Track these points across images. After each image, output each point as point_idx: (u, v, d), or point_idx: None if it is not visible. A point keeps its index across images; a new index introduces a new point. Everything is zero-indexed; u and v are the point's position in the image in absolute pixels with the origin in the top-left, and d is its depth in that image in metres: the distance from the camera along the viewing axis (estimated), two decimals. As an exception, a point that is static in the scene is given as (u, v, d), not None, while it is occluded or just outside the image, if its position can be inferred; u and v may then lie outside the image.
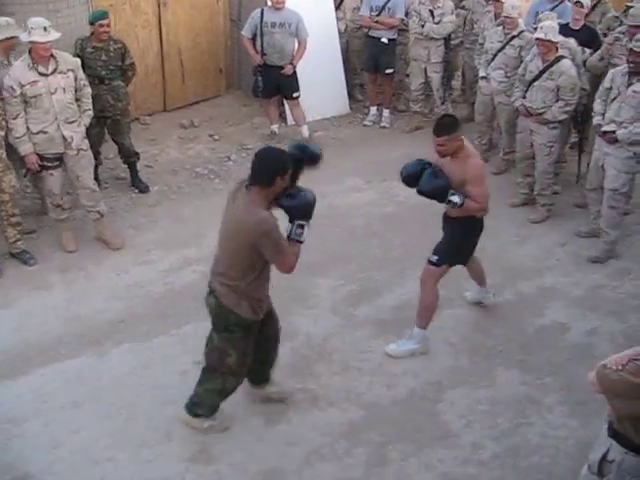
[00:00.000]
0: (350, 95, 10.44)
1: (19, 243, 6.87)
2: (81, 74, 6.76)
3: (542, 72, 7.30)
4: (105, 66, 7.66)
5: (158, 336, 5.99)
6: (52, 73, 6.53)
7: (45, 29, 6.39)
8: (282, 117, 9.75)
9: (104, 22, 7.57)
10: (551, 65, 7.25)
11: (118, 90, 7.81)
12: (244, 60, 10.03)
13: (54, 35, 6.48)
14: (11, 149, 6.67)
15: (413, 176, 5.42)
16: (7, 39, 6.74)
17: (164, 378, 5.54)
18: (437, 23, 9.05)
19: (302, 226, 4.58)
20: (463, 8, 9.47)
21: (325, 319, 6.16)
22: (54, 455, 4.87)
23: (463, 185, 5.32)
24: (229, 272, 4.64)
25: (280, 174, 4.41)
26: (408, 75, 9.89)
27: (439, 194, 5.36)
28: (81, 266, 6.88)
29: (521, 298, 6.52)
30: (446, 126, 5.30)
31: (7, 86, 6.44)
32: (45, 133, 6.62)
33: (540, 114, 7.36)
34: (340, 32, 10.09)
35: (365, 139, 9.58)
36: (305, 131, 9.28)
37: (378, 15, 9.43)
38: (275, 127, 9.39)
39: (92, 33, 7.69)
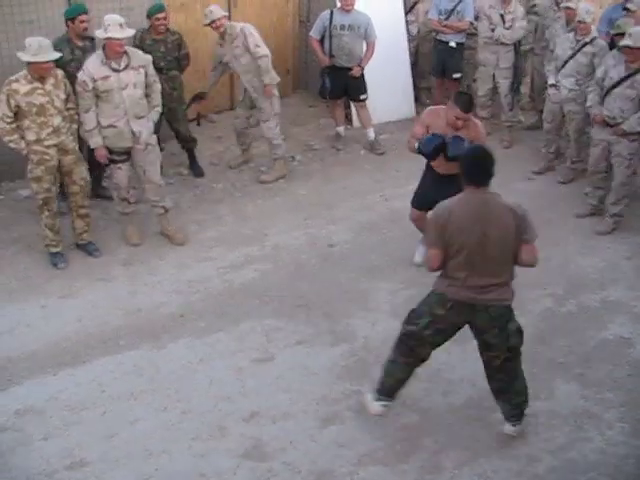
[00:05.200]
0: (416, 99, 10.38)
1: (85, 235, 7.01)
2: (151, 70, 6.87)
3: (623, 79, 7.08)
4: (164, 57, 7.96)
5: (216, 332, 6.04)
6: (124, 69, 6.64)
7: (121, 26, 6.51)
8: (348, 119, 9.74)
9: (160, 15, 7.85)
10: (635, 73, 7.02)
11: (175, 79, 8.15)
12: (312, 61, 10.06)
13: (129, 32, 6.62)
14: (82, 142, 6.83)
15: (437, 149, 6.11)
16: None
17: (220, 374, 5.58)
18: (508, 28, 8.94)
19: None
20: (535, 14, 9.32)
21: (384, 322, 6.13)
22: (110, 444, 4.95)
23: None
24: (501, 275, 4.69)
25: None
26: (475, 80, 9.79)
27: None
28: (144, 260, 6.98)
29: (584, 310, 6.40)
30: (472, 102, 6.20)
31: (80, 80, 6.58)
32: (115, 127, 6.73)
33: (617, 124, 7.16)
34: (412, 35, 10.04)
35: (430, 144, 9.50)
36: (371, 134, 9.26)
37: (447, 19, 9.37)
38: (341, 129, 9.40)
39: (150, 25, 7.93)
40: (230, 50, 7.97)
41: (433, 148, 6.10)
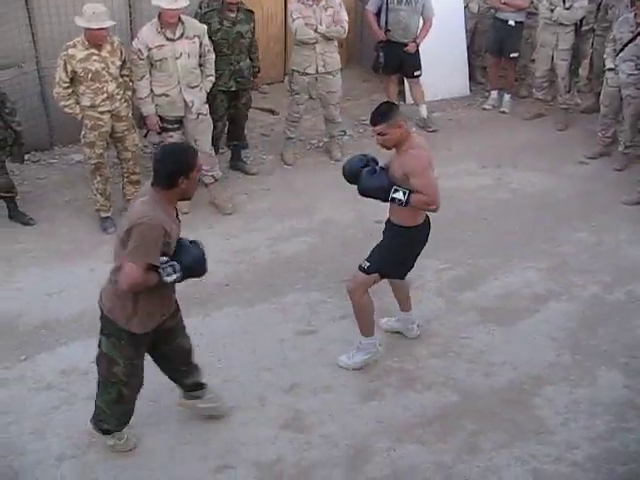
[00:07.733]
0: (471, 77, 10.26)
1: (135, 201, 7.09)
2: (206, 40, 6.88)
3: None
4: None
5: (261, 303, 6.08)
6: (179, 38, 6.68)
7: None
8: (401, 95, 9.66)
9: None
10: None
11: None
12: (367, 35, 9.98)
13: (182, 3, 6.60)
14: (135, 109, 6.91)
15: (354, 174, 5.05)
16: None
17: (262, 344, 5.63)
18: (568, 8, 8.74)
19: (175, 272, 4.15)
20: (598, -6, 9.10)
21: (428, 301, 6.12)
22: (152, 408, 5.03)
23: (407, 180, 4.87)
24: (115, 277, 4.18)
25: (183, 174, 4.01)
26: (533, 60, 9.61)
27: (381, 193, 4.95)
28: (193, 228, 6.98)
29: (632, 299, 6.28)
30: (382, 113, 4.96)
31: (135, 48, 6.64)
32: (167, 96, 6.79)
33: None
34: (472, 13, 9.90)
35: (483, 123, 9.42)
36: (423, 111, 9.18)
37: (508, -4, 9.21)
38: (393, 105, 9.32)
39: None
40: (318, 14, 7.77)
41: (354, 170, 5.08)
